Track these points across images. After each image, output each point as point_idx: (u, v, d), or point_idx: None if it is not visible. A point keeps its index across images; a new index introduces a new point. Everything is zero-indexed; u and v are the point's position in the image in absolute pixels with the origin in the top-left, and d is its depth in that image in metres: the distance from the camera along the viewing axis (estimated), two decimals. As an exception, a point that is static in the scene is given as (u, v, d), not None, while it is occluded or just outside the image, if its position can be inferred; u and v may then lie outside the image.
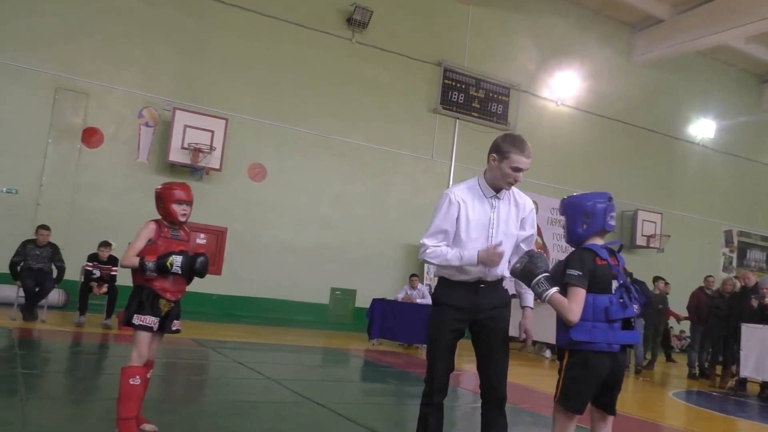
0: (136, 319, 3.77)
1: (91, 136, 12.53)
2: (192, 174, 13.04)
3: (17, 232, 10.39)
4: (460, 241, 3.27)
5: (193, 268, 3.95)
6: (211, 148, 12.77)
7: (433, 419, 3.32)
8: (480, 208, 3.29)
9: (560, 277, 2.85)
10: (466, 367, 7.06)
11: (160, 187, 4.08)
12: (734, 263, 21.24)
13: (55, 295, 10.65)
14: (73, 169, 12.32)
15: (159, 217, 4.04)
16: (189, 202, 4.06)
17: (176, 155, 12.66)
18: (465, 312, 3.29)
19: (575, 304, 2.75)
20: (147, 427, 3.88)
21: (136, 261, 3.81)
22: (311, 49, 14.52)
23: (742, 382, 9.60)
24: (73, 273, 9.76)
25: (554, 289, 2.79)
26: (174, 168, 12.94)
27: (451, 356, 3.37)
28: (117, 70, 12.81)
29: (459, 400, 6.20)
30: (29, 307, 9.18)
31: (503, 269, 3.33)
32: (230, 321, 12.48)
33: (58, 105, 12.26)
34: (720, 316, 10.28)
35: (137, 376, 3.69)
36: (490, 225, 3.29)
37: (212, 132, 12.90)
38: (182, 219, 4.03)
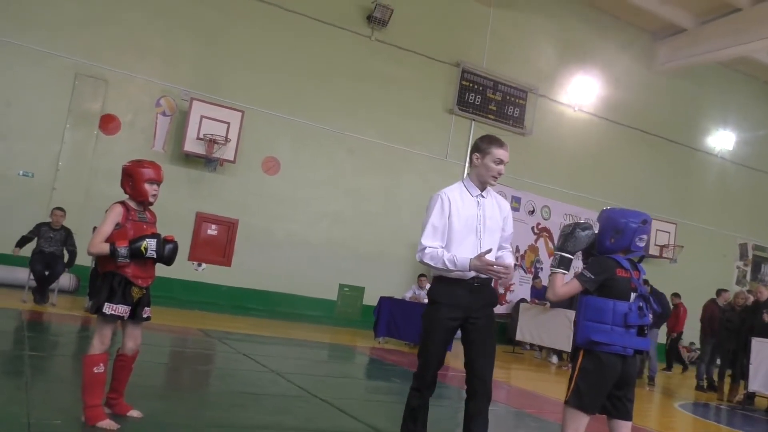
0: (108, 308, 3.62)
1: (108, 123, 12.62)
2: (206, 165, 13.11)
3: (31, 215, 10.50)
4: (452, 235, 3.48)
5: (162, 255, 3.77)
6: (227, 140, 12.82)
7: (421, 414, 3.53)
8: (468, 206, 3.54)
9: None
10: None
11: (129, 163, 3.84)
12: (748, 277, 20.99)
13: (66, 280, 10.75)
14: (89, 155, 12.42)
15: (125, 197, 3.82)
16: (160, 182, 3.87)
17: (191, 145, 12.72)
18: (460, 310, 3.45)
19: (563, 290, 3.01)
20: (133, 413, 3.89)
21: (106, 247, 3.61)
22: (330, 44, 14.53)
23: (751, 396, 9.50)
24: (85, 258, 9.82)
25: (560, 271, 3.04)
26: (188, 158, 13.00)
27: (443, 353, 3.54)
28: (137, 58, 12.90)
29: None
30: (40, 290, 9.27)
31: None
32: (238, 313, 12.53)
33: (78, 91, 12.36)
34: (731, 329, 10.18)
35: (101, 364, 3.60)
36: (477, 221, 3.52)
37: (228, 123, 12.94)
38: (152, 200, 3.85)
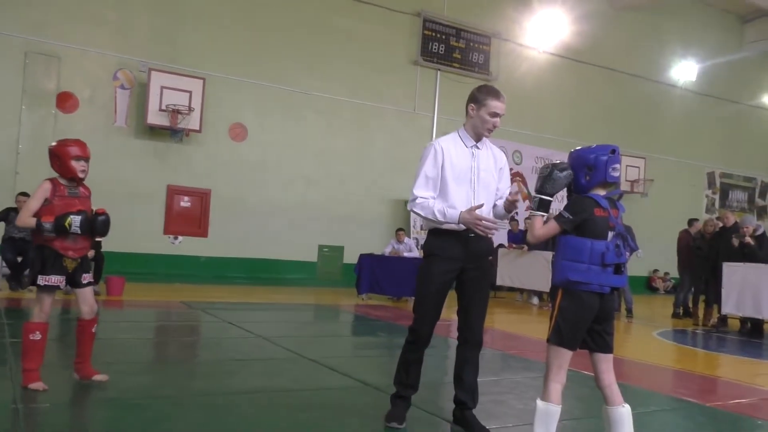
0: (41, 280, 3.88)
1: (65, 101, 12.24)
2: (172, 136, 12.86)
3: (-3, 201, 10.24)
4: (446, 186, 3.46)
5: (94, 228, 3.98)
6: (190, 109, 12.54)
7: (414, 367, 3.58)
8: (462, 156, 3.49)
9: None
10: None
11: (54, 144, 4.08)
12: (717, 204, 21.50)
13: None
14: (49, 136, 11.99)
15: (55, 175, 4.04)
16: (87, 158, 4.09)
17: (154, 118, 12.43)
18: (455, 262, 3.45)
19: (542, 232, 3.03)
20: (98, 377, 4.15)
21: (32, 221, 3.87)
22: (287, 2, 14.16)
23: (724, 319, 9.85)
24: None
25: (539, 213, 3.04)
26: (153, 131, 12.73)
27: (439, 307, 3.54)
28: (89, 31, 12.43)
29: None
30: (15, 276, 9.14)
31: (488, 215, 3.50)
32: (219, 282, 12.52)
33: (29, 70, 11.92)
34: (702, 257, 10.47)
35: (37, 332, 3.89)
36: (471, 172, 3.49)
37: (190, 92, 12.64)
38: (81, 175, 4.06)
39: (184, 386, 4.43)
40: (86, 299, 4.12)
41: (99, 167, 12.18)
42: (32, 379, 3.86)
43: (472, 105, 3.48)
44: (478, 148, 3.54)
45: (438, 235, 3.49)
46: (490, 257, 3.64)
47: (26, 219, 3.88)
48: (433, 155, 3.48)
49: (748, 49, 21.65)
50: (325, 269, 14.58)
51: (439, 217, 3.39)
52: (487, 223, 3.32)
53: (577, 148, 3.16)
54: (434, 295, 3.47)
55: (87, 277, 4.10)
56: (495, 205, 3.62)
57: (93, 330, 4.17)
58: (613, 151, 3.04)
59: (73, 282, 4.04)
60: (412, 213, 3.61)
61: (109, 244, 10.03)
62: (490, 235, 3.45)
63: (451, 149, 3.49)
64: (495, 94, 3.46)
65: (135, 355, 5.48)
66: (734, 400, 4.97)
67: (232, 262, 13.56)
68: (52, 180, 4.00)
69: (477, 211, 3.32)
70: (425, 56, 15.77)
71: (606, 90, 18.56)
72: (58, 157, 4.01)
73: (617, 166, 3.04)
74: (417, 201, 3.46)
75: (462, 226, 3.37)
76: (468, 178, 3.47)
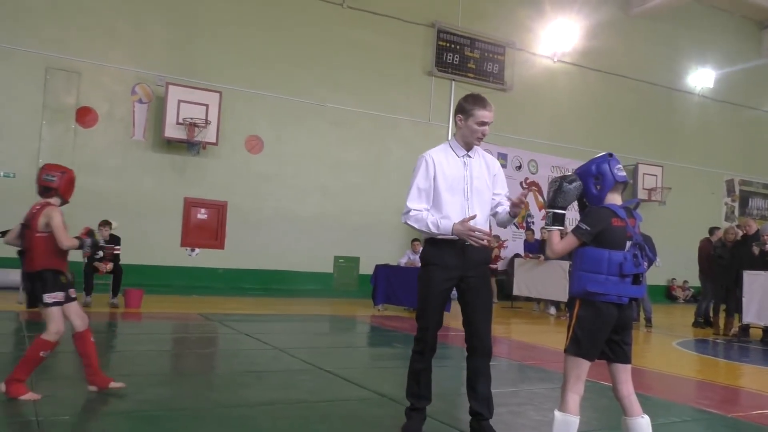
0: (48, 298, 4.09)
1: (85, 116, 12.44)
2: (189, 149, 12.99)
3: (17, 216, 10.36)
4: (439, 196, 3.47)
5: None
6: (207, 122, 12.69)
7: (424, 376, 3.57)
8: (454, 166, 3.52)
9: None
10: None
11: (67, 170, 4.36)
12: (736, 212, 21.22)
13: (61, 277, 10.70)
14: (69, 150, 12.26)
15: (54, 199, 4.29)
16: None
17: (172, 131, 12.58)
18: (453, 270, 3.47)
19: (561, 247, 3.01)
20: (114, 384, 4.28)
21: (76, 241, 4.21)
22: (302, 15, 14.30)
23: (745, 329, 9.69)
24: (76, 254, 9.75)
25: (555, 228, 3.04)
26: (170, 144, 12.88)
27: (440, 315, 3.56)
28: (107, 46, 12.66)
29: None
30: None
31: (484, 226, 3.53)
32: (236, 294, 12.57)
33: (50, 85, 12.16)
34: (723, 265, 10.32)
35: (48, 350, 4.08)
36: (464, 181, 3.50)
37: (207, 106, 12.80)
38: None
39: (202, 398, 4.45)
40: (78, 312, 4.28)
41: (117, 180, 12.54)
42: (22, 390, 3.95)
43: (460, 116, 3.50)
44: (469, 156, 3.55)
45: (435, 244, 3.51)
46: (489, 265, 3.63)
47: (69, 241, 4.13)
48: (424, 167, 3.50)
49: (767, 55, 21.45)
50: (341, 280, 14.60)
51: (433, 229, 3.40)
52: (479, 233, 3.33)
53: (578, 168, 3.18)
54: (434, 303, 3.49)
55: (73, 292, 4.30)
56: (497, 213, 3.62)
57: (92, 339, 4.32)
58: (611, 155, 3.08)
59: (67, 297, 4.22)
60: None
61: (127, 256, 10.17)
62: (484, 245, 3.44)
63: (443, 160, 3.50)
64: (482, 103, 3.46)
65: (153, 366, 5.52)
66: (757, 411, 4.88)
67: (249, 274, 13.63)
68: (54, 205, 4.25)
69: (470, 222, 3.34)
70: (440, 67, 15.81)
71: (622, 98, 18.45)
72: (72, 183, 4.35)
73: (620, 166, 3.07)
74: (410, 213, 3.48)
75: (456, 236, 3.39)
76: (461, 187, 3.48)
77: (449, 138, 3.71)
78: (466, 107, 3.48)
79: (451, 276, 3.47)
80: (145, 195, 12.71)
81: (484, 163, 3.59)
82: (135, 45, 12.91)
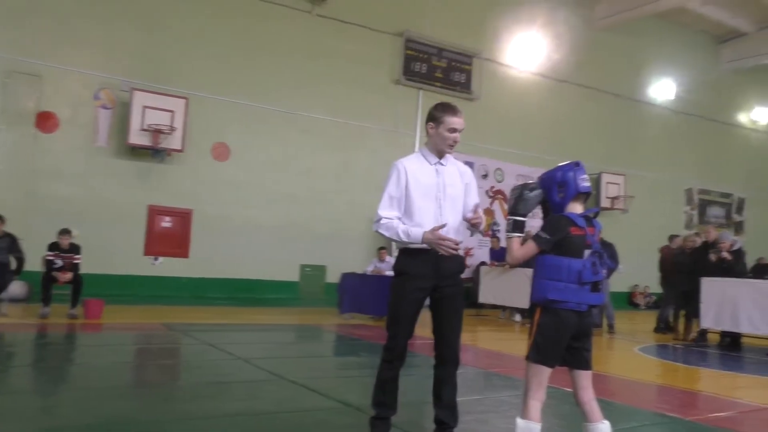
0: None
1: (45, 121, 12.15)
2: (154, 156, 12.79)
3: (-26, 223, 10.08)
4: (412, 204, 3.47)
5: None
6: (172, 129, 12.51)
7: (391, 385, 3.56)
8: (427, 174, 3.52)
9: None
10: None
11: None
12: (695, 220, 21.79)
13: (17, 288, 10.41)
14: (28, 156, 11.96)
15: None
16: None
17: (136, 137, 12.38)
18: (427, 280, 3.45)
19: (521, 254, 3.09)
20: None
21: None
22: (271, 22, 14.24)
23: (703, 334, 9.93)
24: (35, 263, 9.54)
25: (515, 235, 3.11)
26: (135, 150, 12.66)
27: (412, 325, 3.55)
28: (71, 50, 12.40)
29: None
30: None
31: (458, 234, 3.52)
32: (200, 303, 12.38)
33: (9, 89, 11.85)
34: (683, 272, 10.56)
35: None
36: (437, 188, 3.50)
37: (173, 112, 12.63)
38: None
39: (163, 411, 4.36)
40: None
41: (79, 187, 12.29)
42: None
43: (431, 123, 3.51)
44: (442, 164, 3.56)
45: (409, 254, 3.50)
46: (462, 275, 3.63)
47: None
48: (396, 176, 3.49)
49: (724, 69, 22.14)
50: (308, 289, 14.51)
51: (403, 237, 3.40)
52: (449, 243, 3.33)
53: (544, 172, 3.22)
54: (406, 313, 3.48)
55: None
56: (466, 221, 3.61)
57: None
58: (577, 164, 3.11)
59: None
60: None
61: (88, 266, 9.94)
62: (453, 255, 3.42)
63: (415, 168, 3.51)
64: (452, 110, 3.49)
65: (113, 379, 5.40)
66: (714, 414, 5.00)
67: (214, 283, 13.45)
68: None
69: (442, 231, 3.33)
70: (407, 75, 15.91)
71: (586, 108, 18.82)
72: None
73: (585, 176, 3.10)
74: (382, 222, 3.48)
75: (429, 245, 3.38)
76: (434, 195, 3.48)
77: (417, 146, 3.71)
78: (436, 115, 3.50)
79: (424, 286, 3.46)
80: (108, 202, 12.47)
81: (456, 171, 3.60)
82: (100, 49, 12.67)
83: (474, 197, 3.66)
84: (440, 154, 3.55)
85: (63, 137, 12.27)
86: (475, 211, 3.52)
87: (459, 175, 3.60)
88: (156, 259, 13.01)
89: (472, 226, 3.54)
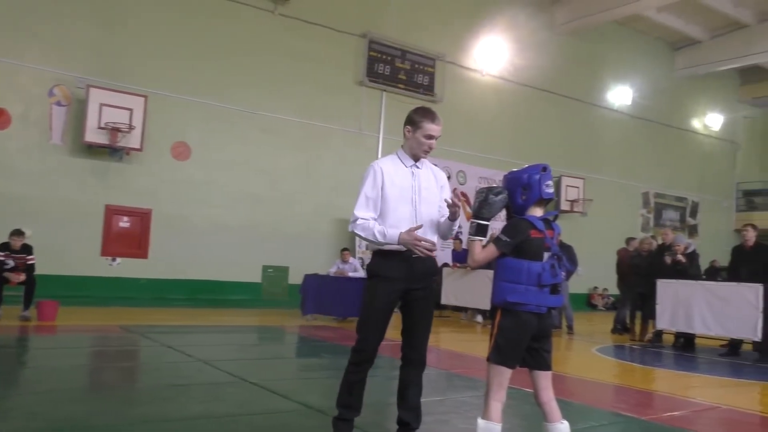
0: None
1: (-3, 118, 11.77)
2: (111, 155, 12.51)
3: None
4: (387, 205, 3.46)
5: None
6: (130, 127, 12.25)
7: (358, 388, 3.55)
8: (403, 176, 3.53)
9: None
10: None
11: None
12: (651, 223, 22.37)
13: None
14: (-21, 154, 11.56)
15: None
16: None
17: (93, 136, 12.07)
18: (400, 282, 3.45)
19: (482, 257, 3.11)
20: None
21: None
22: (232, 20, 14.07)
23: (659, 334, 10.19)
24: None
25: (477, 239, 3.12)
26: (91, 149, 12.36)
27: (383, 328, 3.52)
28: (23, 44, 12.01)
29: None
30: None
31: (432, 236, 3.52)
32: (160, 305, 12.15)
33: (-42, 85, 11.45)
34: (639, 274, 10.81)
35: None
36: (412, 191, 3.51)
37: (131, 110, 12.35)
38: None
39: (121, 414, 4.26)
40: None
41: (33, 186, 11.94)
42: None
43: (409, 127, 3.52)
44: (417, 167, 3.57)
45: (383, 256, 3.48)
46: (435, 277, 3.65)
47: None
48: (372, 176, 3.49)
49: (679, 76, 22.80)
50: (270, 290, 14.38)
51: (379, 238, 3.39)
52: (426, 243, 3.33)
53: (510, 171, 3.24)
54: (379, 316, 3.46)
55: None
56: (439, 223, 3.59)
57: None
58: (545, 169, 3.13)
59: None
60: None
61: (42, 266, 9.65)
62: (430, 255, 3.45)
63: (391, 170, 3.51)
64: (431, 117, 3.50)
65: (68, 382, 5.25)
66: (668, 413, 5.13)
67: (174, 284, 13.21)
68: None
69: (417, 232, 3.34)
70: (371, 77, 15.92)
71: (547, 112, 19.14)
72: None
73: (550, 182, 3.14)
74: (357, 222, 3.46)
75: (403, 247, 3.38)
76: (409, 197, 3.49)
77: (380, 147, 3.71)
78: (415, 119, 3.50)
79: (397, 288, 3.45)
80: (63, 202, 12.13)
81: (432, 174, 3.62)
82: (54, 44, 12.33)
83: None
84: (416, 158, 3.56)
85: (16, 134, 11.90)
86: (455, 196, 3.46)
87: (434, 178, 3.62)
88: (114, 259, 12.72)
89: (451, 212, 3.46)
